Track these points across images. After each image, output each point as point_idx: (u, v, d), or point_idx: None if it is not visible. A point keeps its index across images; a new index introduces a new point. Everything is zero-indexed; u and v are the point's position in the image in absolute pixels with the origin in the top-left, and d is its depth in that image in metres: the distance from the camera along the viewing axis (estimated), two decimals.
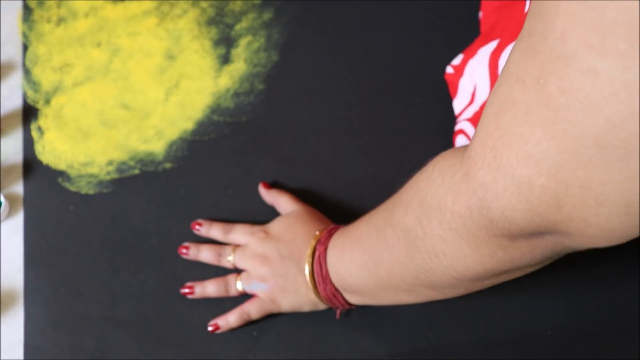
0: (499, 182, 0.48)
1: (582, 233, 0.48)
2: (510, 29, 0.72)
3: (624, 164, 0.43)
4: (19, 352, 0.77)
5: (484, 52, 0.74)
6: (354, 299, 0.72)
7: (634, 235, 0.47)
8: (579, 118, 0.43)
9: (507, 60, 0.49)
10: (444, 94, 0.82)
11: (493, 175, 0.48)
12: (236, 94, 0.84)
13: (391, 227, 0.62)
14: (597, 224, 0.46)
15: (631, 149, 0.42)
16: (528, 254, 0.54)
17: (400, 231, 0.61)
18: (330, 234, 0.72)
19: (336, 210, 0.80)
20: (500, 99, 0.48)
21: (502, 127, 0.47)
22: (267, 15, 0.87)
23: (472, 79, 0.76)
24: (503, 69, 0.49)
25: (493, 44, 0.73)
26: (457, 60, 0.79)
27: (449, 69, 0.79)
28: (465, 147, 0.55)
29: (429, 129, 0.83)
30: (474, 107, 0.75)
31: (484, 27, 0.80)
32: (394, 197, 0.64)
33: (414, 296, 0.66)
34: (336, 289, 0.71)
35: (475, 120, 0.75)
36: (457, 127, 0.78)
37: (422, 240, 0.58)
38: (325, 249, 0.71)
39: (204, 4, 0.87)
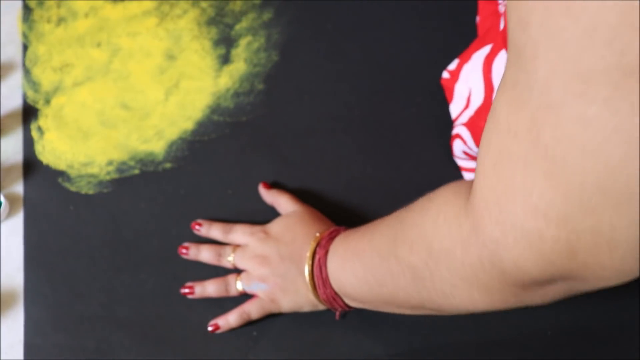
0: (508, 235, 0.47)
1: (598, 277, 0.47)
2: (503, 34, 0.71)
3: (629, 206, 0.42)
4: (19, 352, 0.76)
5: (478, 57, 0.74)
6: (353, 304, 0.72)
7: None
8: (577, 166, 0.43)
9: (494, 108, 0.48)
10: (443, 94, 0.82)
11: (501, 229, 0.48)
12: (236, 94, 0.84)
13: (395, 259, 0.61)
14: (612, 266, 0.46)
15: (634, 191, 0.42)
16: (539, 298, 0.53)
17: (405, 266, 0.60)
18: (331, 237, 0.72)
19: (336, 210, 0.80)
20: (495, 150, 0.48)
21: (503, 181, 0.47)
22: (267, 15, 0.87)
23: (467, 83, 0.76)
24: (491, 117, 0.49)
25: (487, 49, 0.73)
26: (452, 65, 0.79)
27: (445, 74, 0.79)
28: (468, 187, 0.54)
29: (429, 129, 0.83)
30: (469, 112, 0.76)
31: (480, 31, 0.80)
32: (395, 223, 0.63)
33: (416, 312, 0.65)
34: (336, 293, 0.71)
35: (470, 125, 0.75)
36: (454, 132, 0.78)
37: (430, 281, 0.57)
38: (326, 252, 0.71)
39: (204, 4, 0.87)
